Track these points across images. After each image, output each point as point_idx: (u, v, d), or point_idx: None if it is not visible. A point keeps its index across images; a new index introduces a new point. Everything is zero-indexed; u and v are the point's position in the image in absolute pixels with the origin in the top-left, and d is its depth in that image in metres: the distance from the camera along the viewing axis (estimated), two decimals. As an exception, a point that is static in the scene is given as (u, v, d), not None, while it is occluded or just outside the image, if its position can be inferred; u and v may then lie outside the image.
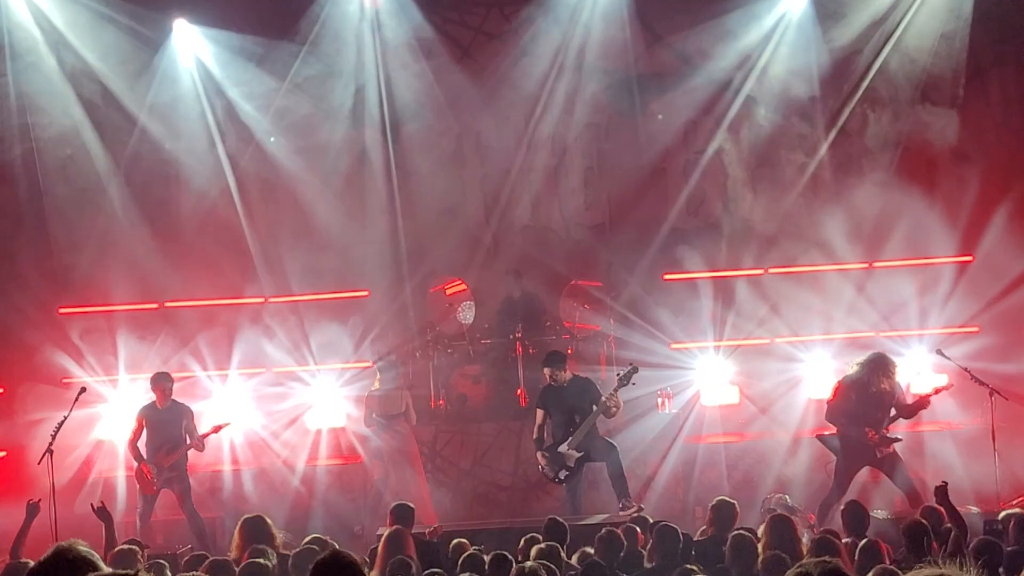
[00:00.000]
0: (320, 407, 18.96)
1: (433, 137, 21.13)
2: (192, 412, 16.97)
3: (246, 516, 12.37)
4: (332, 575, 6.11)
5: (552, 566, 10.51)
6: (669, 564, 11.29)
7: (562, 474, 16.27)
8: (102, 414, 18.58)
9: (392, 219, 21.11)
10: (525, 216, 21.41)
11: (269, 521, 12.16)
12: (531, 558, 10.73)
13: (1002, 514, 12.20)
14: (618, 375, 16.34)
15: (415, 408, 17.82)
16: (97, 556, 5.95)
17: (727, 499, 12.85)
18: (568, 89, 20.69)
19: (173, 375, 17.21)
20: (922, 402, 15.71)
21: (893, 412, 15.40)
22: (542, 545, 11.28)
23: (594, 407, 16.18)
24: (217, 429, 16.96)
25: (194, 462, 17.15)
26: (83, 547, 5.99)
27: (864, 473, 15.94)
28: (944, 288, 19.40)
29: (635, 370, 16.32)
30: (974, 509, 15.20)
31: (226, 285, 20.11)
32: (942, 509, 11.90)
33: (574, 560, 11.67)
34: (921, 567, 4.59)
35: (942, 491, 11.91)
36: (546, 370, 16.51)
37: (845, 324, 19.32)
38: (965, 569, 4.55)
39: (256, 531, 11.90)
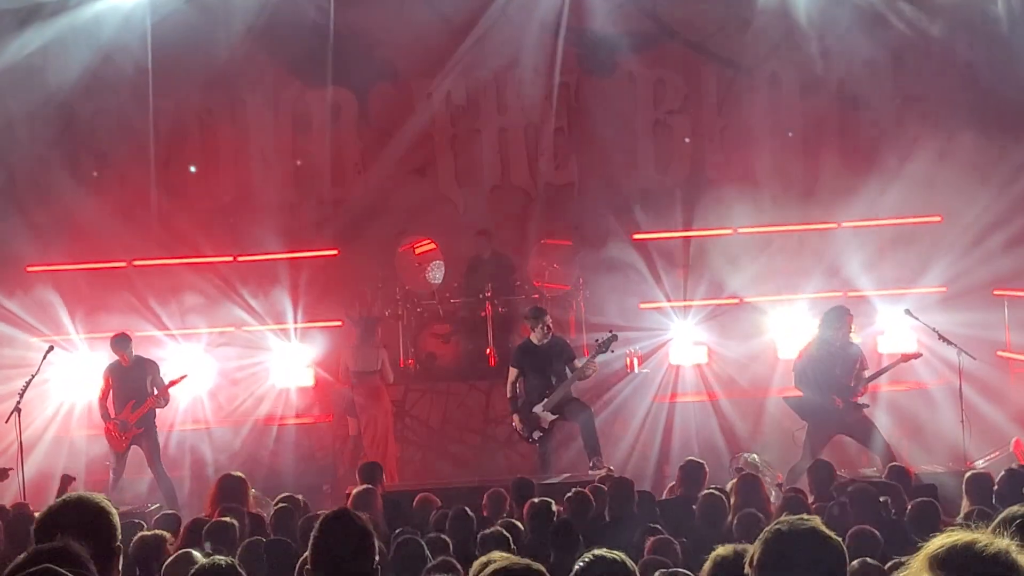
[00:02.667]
0: (287, 366, 18.91)
1: (404, 96, 21.06)
2: (156, 365, 16.90)
3: (225, 474, 12.37)
4: (338, 529, 6.10)
5: (517, 524, 10.55)
6: (625, 516, 11.32)
7: (536, 434, 16.27)
8: (68, 373, 18.49)
9: (362, 178, 21.10)
10: (495, 176, 21.37)
11: (245, 480, 12.16)
12: None
13: (968, 474, 12.27)
14: (597, 341, 16.27)
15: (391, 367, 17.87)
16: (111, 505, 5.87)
17: (696, 459, 12.89)
18: (539, 49, 20.61)
19: (136, 334, 17.18)
20: (889, 368, 15.80)
21: (867, 373, 15.47)
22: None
23: (568, 369, 16.16)
24: (175, 382, 16.89)
25: (161, 419, 17.11)
26: (96, 497, 5.92)
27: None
28: (913, 248, 19.50)
29: (614, 337, 16.22)
30: (939, 468, 15.31)
31: (194, 244, 20.01)
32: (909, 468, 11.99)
33: None
34: (953, 530, 4.56)
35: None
36: (532, 323, 16.44)
37: (814, 284, 19.35)
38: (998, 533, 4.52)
39: (231, 489, 11.90)
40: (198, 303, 19.48)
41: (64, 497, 5.95)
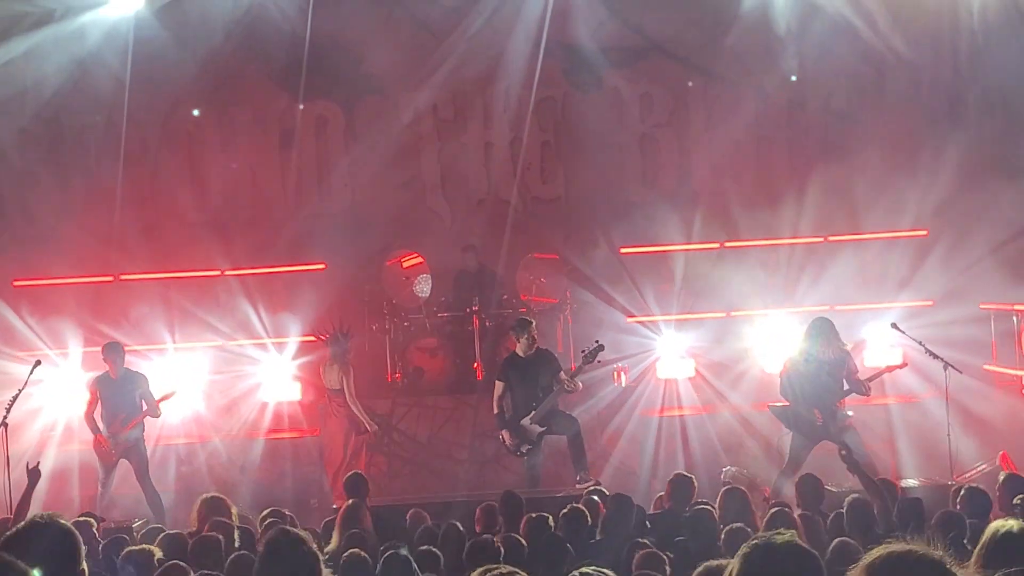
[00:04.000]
0: (273, 380, 18.89)
1: (391, 110, 21.08)
2: (146, 379, 16.80)
3: (204, 496, 12.33)
4: (283, 551, 6.09)
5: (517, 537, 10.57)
6: (620, 535, 11.32)
7: (524, 448, 16.24)
8: (56, 387, 18.43)
9: (348, 192, 21.13)
10: (482, 189, 21.40)
11: (227, 500, 12.14)
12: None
13: (954, 486, 12.29)
14: (583, 352, 16.26)
15: (356, 384, 17.68)
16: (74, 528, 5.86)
17: (685, 474, 12.86)
18: (525, 62, 20.65)
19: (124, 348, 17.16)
20: (874, 378, 15.81)
21: (846, 386, 15.45)
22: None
23: (555, 382, 16.15)
24: (165, 398, 16.83)
25: (149, 433, 17.06)
26: (62, 520, 5.91)
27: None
28: (900, 262, 19.58)
29: (601, 347, 16.16)
30: (912, 482, 15.31)
31: (182, 258, 20.01)
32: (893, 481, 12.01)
33: None
34: (889, 542, 4.61)
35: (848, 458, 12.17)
36: (517, 334, 16.46)
37: (800, 298, 19.39)
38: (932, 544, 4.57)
39: (214, 510, 11.88)
40: (185, 317, 19.47)
41: (31, 519, 5.94)
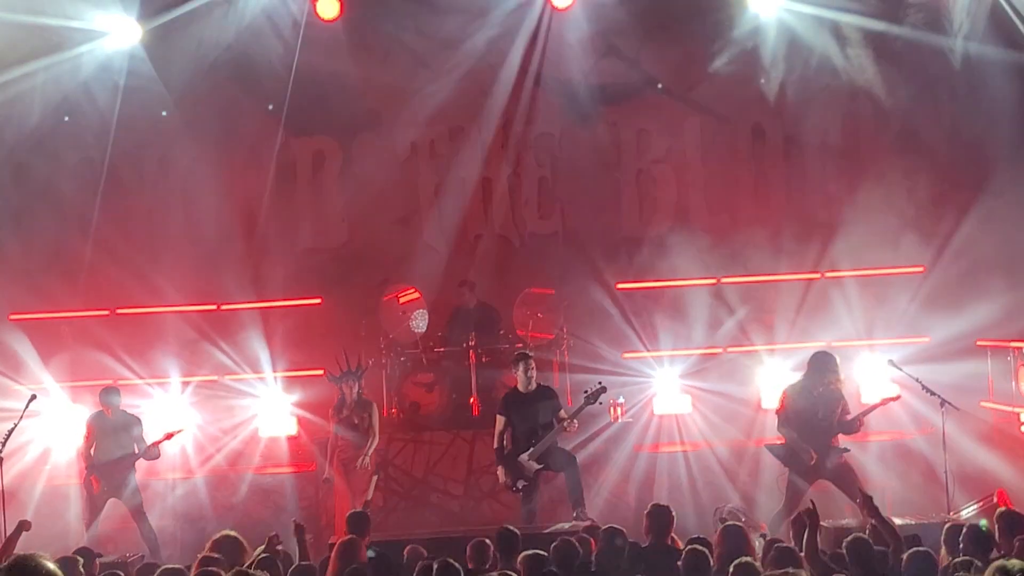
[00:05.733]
0: (270, 415, 18.86)
1: (387, 145, 21.12)
2: (140, 421, 16.81)
3: (219, 535, 12.15)
4: None
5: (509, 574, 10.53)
6: (614, 569, 11.29)
7: (520, 484, 16.19)
8: (52, 422, 18.41)
9: (345, 227, 21.17)
10: (479, 225, 21.43)
11: (242, 540, 11.96)
12: None
13: (949, 524, 12.25)
14: (585, 392, 16.23)
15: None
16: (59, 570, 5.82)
17: (661, 504, 12.78)
18: (523, 99, 20.72)
19: (119, 382, 17.15)
20: (869, 411, 15.78)
21: (849, 416, 15.43)
22: None
23: (555, 420, 16.12)
24: (169, 436, 16.73)
25: (149, 467, 17.04)
26: (47, 560, 5.88)
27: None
28: (896, 298, 19.60)
29: (603, 389, 16.12)
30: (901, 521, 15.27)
31: (177, 292, 20.01)
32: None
33: None
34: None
35: (869, 502, 12.13)
36: (515, 367, 16.39)
37: (797, 334, 19.41)
38: None
39: (229, 549, 11.75)
40: (180, 352, 19.47)
41: (13, 559, 5.90)
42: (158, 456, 16.77)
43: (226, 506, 17.88)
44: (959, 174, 20.25)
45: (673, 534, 12.36)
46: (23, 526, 12.48)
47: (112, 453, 16.45)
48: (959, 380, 17.56)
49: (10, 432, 15.50)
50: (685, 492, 17.75)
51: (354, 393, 16.99)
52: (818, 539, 11.09)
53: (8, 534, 13.54)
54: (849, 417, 15.48)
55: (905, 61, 20.27)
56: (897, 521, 13.94)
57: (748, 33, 20.22)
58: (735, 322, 19.85)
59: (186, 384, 18.94)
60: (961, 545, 11.07)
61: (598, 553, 11.84)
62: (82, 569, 10.81)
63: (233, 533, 11.96)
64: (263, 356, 19.31)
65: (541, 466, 16.14)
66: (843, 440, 15.60)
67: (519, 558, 11.12)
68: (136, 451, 16.49)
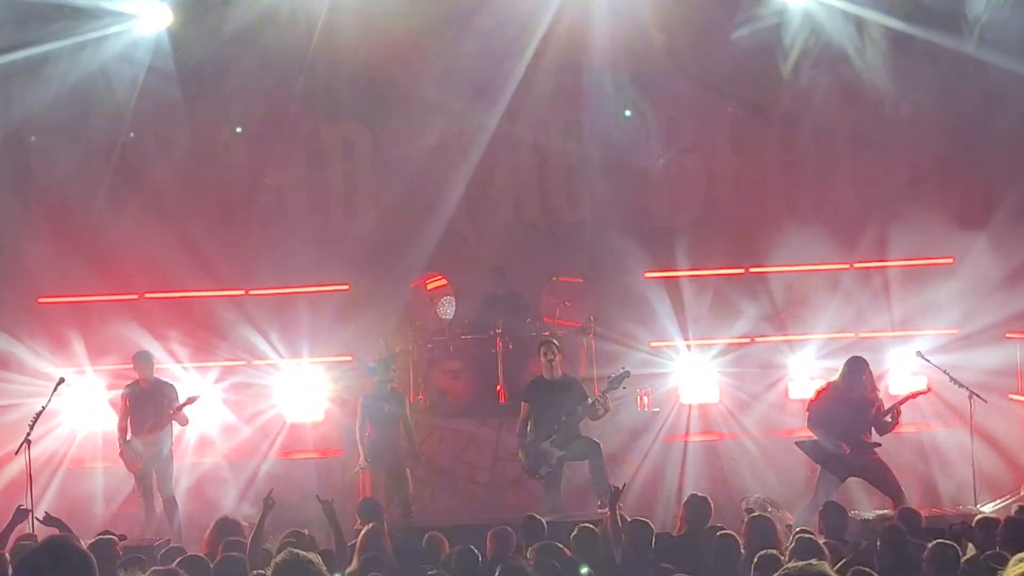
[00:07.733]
0: (297, 400, 18.90)
1: (417, 132, 21.10)
2: (175, 388, 17.04)
3: (219, 518, 12.34)
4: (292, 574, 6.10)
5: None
6: (640, 560, 11.27)
7: (543, 470, 16.21)
8: (80, 404, 18.51)
9: (374, 213, 21.15)
10: (508, 212, 21.42)
11: (242, 523, 12.15)
12: None
13: (979, 515, 12.22)
14: (609, 377, 16.25)
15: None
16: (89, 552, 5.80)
17: (699, 495, 12.80)
18: (551, 86, 20.68)
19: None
20: (898, 405, 15.70)
21: (888, 418, 15.39)
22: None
23: (579, 407, 16.13)
24: (191, 400, 16.88)
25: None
26: (77, 542, 5.86)
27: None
28: (925, 290, 19.51)
29: (627, 374, 16.22)
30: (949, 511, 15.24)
31: (207, 276, 20.03)
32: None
33: None
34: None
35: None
36: (541, 353, 16.42)
37: (826, 325, 19.34)
38: None
39: (227, 532, 11.90)
40: (209, 336, 19.51)
41: (47, 541, 5.89)
42: (186, 422, 16.98)
43: (252, 490, 17.86)
44: (991, 166, 20.13)
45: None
46: (22, 514, 12.49)
47: (147, 419, 16.65)
48: (988, 372, 17.51)
49: (38, 415, 15.59)
50: (711, 482, 17.72)
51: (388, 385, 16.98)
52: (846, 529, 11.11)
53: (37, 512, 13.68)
54: (886, 419, 15.41)
55: (937, 58, 20.11)
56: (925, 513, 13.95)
57: (775, 20, 20.11)
58: (763, 312, 19.77)
59: (213, 369, 18.98)
60: (999, 539, 11.02)
61: (625, 544, 11.80)
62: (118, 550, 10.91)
63: (230, 517, 12.15)
64: (290, 341, 19.33)
65: (563, 453, 16.13)
66: (874, 434, 15.55)
67: (529, 549, 11.10)
68: (170, 415, 16.66)
